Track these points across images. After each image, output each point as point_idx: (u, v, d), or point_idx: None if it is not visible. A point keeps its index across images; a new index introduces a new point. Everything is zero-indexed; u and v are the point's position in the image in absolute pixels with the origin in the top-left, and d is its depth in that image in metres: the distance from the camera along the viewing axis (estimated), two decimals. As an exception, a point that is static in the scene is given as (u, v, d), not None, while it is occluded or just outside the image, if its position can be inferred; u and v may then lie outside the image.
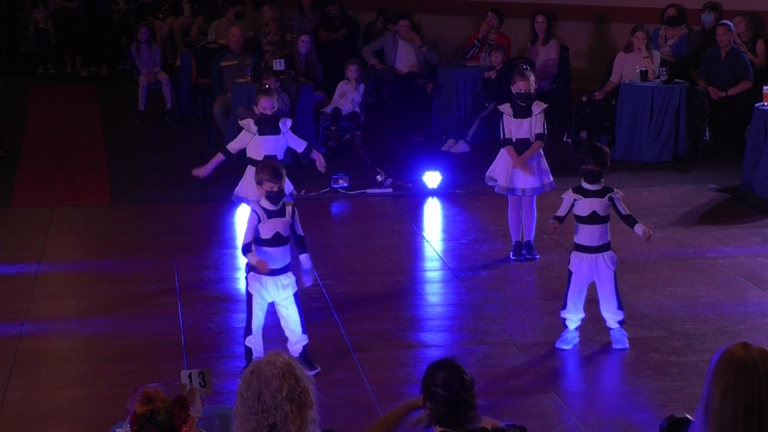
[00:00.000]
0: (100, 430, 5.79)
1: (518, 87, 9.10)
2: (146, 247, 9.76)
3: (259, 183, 6.89)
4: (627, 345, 7.49)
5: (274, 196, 6.83)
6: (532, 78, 9.22)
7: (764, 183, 11.21)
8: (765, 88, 11.60)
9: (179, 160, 12.87)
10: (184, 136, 14.17)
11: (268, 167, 6.91)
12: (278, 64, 12.57)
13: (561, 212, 7.49)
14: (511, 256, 9.38)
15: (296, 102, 12.43)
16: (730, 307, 8.28)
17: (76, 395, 6.89)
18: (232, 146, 8.94)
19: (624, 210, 7.44)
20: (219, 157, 8.97)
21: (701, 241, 9.88)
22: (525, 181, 9.14)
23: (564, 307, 7.52)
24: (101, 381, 7.04)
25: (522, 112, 9.12)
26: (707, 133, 12.78)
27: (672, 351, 7.46)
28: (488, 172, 9.33)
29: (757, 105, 11.61)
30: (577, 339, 7.57)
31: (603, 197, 7.37)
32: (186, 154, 13.18)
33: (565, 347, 7.51)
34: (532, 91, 9.13)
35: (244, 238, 6.89)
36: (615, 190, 7.43)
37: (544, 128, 9.16)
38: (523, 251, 9.37)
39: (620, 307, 7.47)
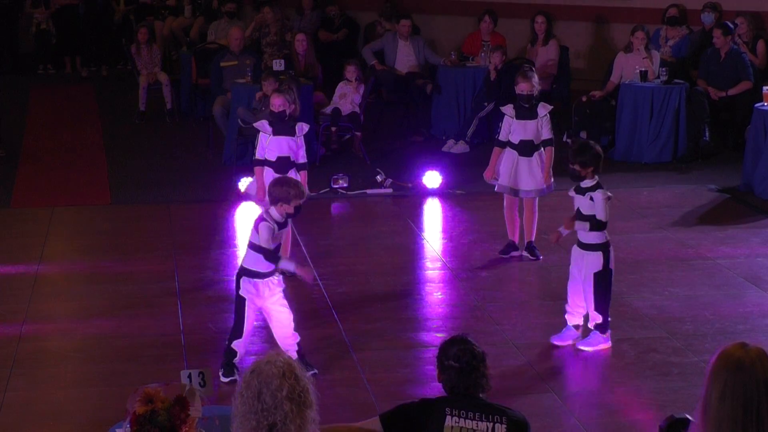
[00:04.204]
0: (100, 430, 5.80)
1: (521, 88, 9.11)
2: (146, 247, 9.76)
3: (287, 200, 6.77)
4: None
5: (294, 213, 6.86)
6: (535, 79, 9.21)
7: (764, 183, 11.21)
8: (765, 88, 11.60)
9: (179, 160, 12.90)
10: (184, 136, 14.17)
11: (295, 185, 6.88)
12: (278, 65, 12.57)
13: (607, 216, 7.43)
14: (499, 252, 9.37)
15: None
16: (729, 308, 8.28)
17: (76, 395, 6.89)
18: (260, 153, 8.79)
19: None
20: (259, 170, 8.78)
21: (701, 241, 9.88)
22: (527, 182, 9.14)
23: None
24: (101, 381, 7.05)
25: (525, 113, 9.11)
26: (707, 134, 12.78)
27: (672, 351, 7.46)
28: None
29: (757, 105, 11.61)
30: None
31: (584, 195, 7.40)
32: (186, 154, 13.21)
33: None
34: (535, 92, 9.14)
35: (268, 245, 6.78)
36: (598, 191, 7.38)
37: (551, 132, 9.17)
38: (524, 252, 9.38)
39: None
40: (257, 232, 6.82)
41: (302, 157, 8.77)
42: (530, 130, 9.12)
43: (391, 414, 4.42)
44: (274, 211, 6.83)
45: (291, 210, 6.81)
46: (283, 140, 8.74)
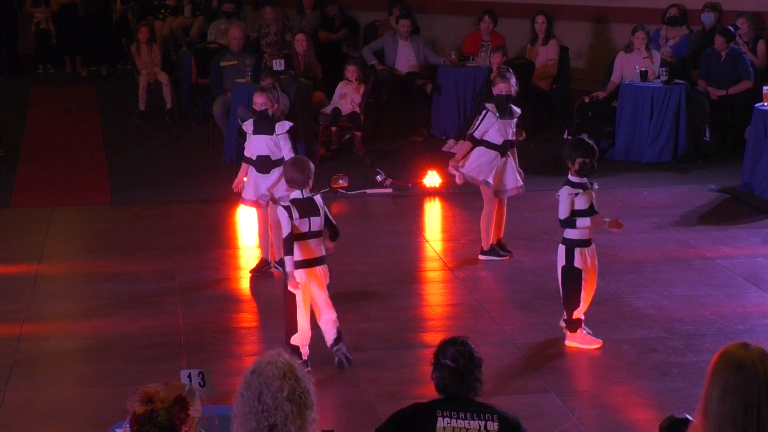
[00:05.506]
0: (100, 430, 5.80)
1: (499, 89, 9.12)
2: (146, 247, 9.76)
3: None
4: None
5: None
6: (513, 79, 9.18)
7: (764, 183, 11.21)
8: (765, 88, 11.60)
9: (179, 160, 12.90)
10: (184, 136, 14.17)
11: (307, 163, 7.18)
12: (278, 65, 12.57)
13: (566, 213, 7.44)
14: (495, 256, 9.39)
15: (296, 102, 12.42)
16: (729, 308, 8.28)
17: (76, 395, 6.89)
18: (246, 151, 8.93)
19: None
20: (245, 167, 8.94)
21: (701, 241, 9.88)
22: (511, 181, 9.20)
23: (578, 305, 7.48)
24: (101, 381, 7.05)
25: (507, 113, 9.10)
26: (707, 134, 12.77)
27: (672, 351, 7.46)
28: (476, 173, 9.22)
29: (757, 105, 11.60)
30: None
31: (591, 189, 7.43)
32: (186, 154, 13.21)
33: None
34: (513, 92, 9.13)
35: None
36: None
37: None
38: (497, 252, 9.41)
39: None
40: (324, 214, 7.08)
41: (288, 154, 8.66)
42: (510, 130, 9.13)
43: (385, 425, 4.43)
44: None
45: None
46: (262, 139, 8.79)
